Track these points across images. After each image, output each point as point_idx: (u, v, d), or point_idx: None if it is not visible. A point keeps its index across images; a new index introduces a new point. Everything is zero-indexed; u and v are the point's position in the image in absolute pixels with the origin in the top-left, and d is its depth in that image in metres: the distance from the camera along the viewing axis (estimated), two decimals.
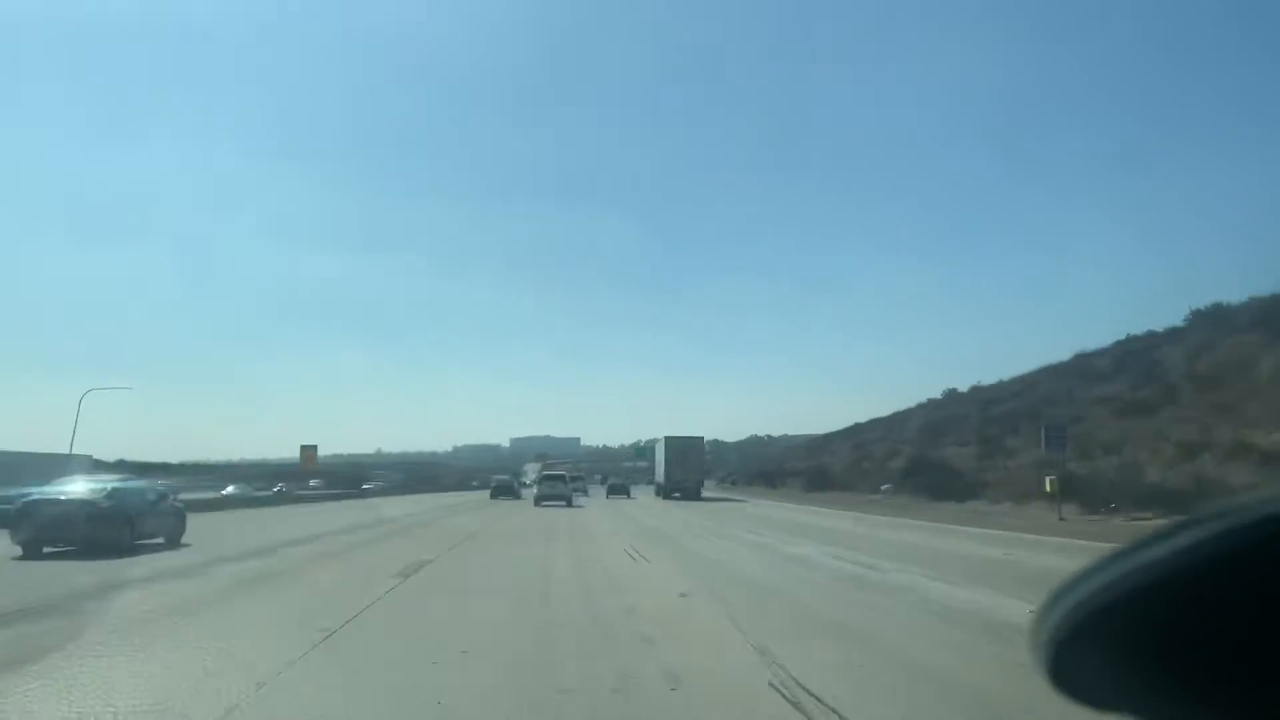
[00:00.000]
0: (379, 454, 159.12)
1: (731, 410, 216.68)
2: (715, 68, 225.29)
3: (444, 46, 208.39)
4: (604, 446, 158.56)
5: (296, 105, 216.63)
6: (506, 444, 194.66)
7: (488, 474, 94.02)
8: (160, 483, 17.93)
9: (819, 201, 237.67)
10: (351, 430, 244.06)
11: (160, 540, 16.06)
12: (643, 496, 51.74)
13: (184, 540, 16.72)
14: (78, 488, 15.15)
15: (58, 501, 14.45)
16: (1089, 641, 0.76)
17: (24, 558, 13.84)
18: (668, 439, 50.20)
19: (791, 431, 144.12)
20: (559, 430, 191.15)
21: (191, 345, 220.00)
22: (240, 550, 15.50)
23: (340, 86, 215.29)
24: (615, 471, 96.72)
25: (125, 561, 13.20)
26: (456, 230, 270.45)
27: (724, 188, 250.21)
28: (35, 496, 14.74)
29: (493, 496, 48.98)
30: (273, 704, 5.01)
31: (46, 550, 14.15)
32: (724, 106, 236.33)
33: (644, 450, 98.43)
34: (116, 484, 15.79)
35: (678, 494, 46.04)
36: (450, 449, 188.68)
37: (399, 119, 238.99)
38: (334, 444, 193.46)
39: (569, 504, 37.28)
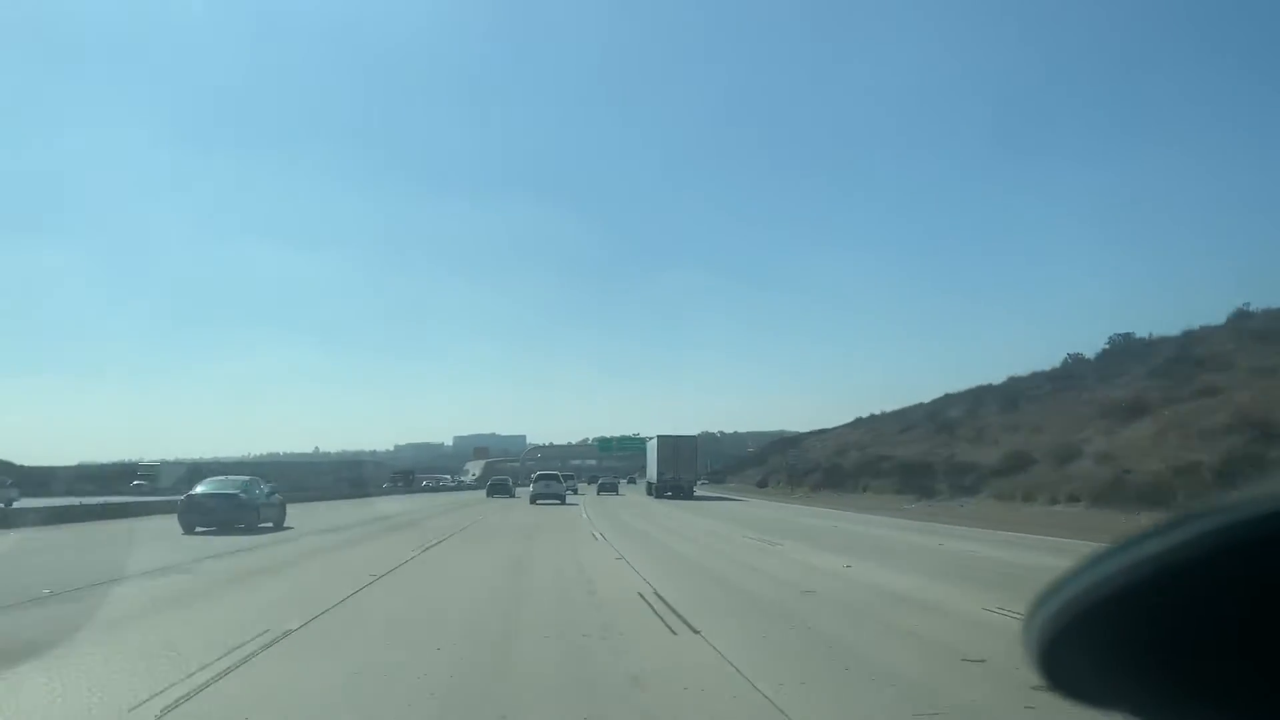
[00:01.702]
0: (316, 453, 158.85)
1: (681, 407, 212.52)
2: (668, 57, 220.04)
3: (384, 32, 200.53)
4: (550, 444, 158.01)
5: (228, 92, 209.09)
6: (450, 442, 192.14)
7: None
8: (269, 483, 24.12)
9: (774, 198, 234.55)
10: (288, 429, 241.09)
11: (270, 524, 22.38)
12: (629, 494, 57.70)
13: (285, 524, 23.11)
14: (223, 487, 21.68)
15: (212, 496, 21.03)
16: (1082, 639, 0.77)
17: (184, 534, 20.23)
18: (660, 438, 50.68)
19: (742, 429, 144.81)
20: (504, 428, 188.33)
21: (115, 341, 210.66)
22: (319, 528, 22.02)
23: (275, 73, 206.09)
24: (565, 469, 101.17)
25: (253, 536, 19.51)
26: (397, 223, 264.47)
27: (674, 182, 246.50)
28: (195, 492, 21.34)
29: (489, 495, 52.44)
30: (352, 605, 10.83)
31: (198, 529, 20.53)
32: (676, 98, 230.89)
33: (609, 443, 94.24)
34: (246, 482, 22.30)
35: (670, 493, 46.47)
36: (391, 448, 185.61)
37: (336, 107, 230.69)
38: (269, 443, 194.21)
39: (562, 501, 41.81)
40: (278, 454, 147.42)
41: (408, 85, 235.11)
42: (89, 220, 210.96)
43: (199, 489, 21.48)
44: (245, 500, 21.05)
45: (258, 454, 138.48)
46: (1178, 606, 0.71)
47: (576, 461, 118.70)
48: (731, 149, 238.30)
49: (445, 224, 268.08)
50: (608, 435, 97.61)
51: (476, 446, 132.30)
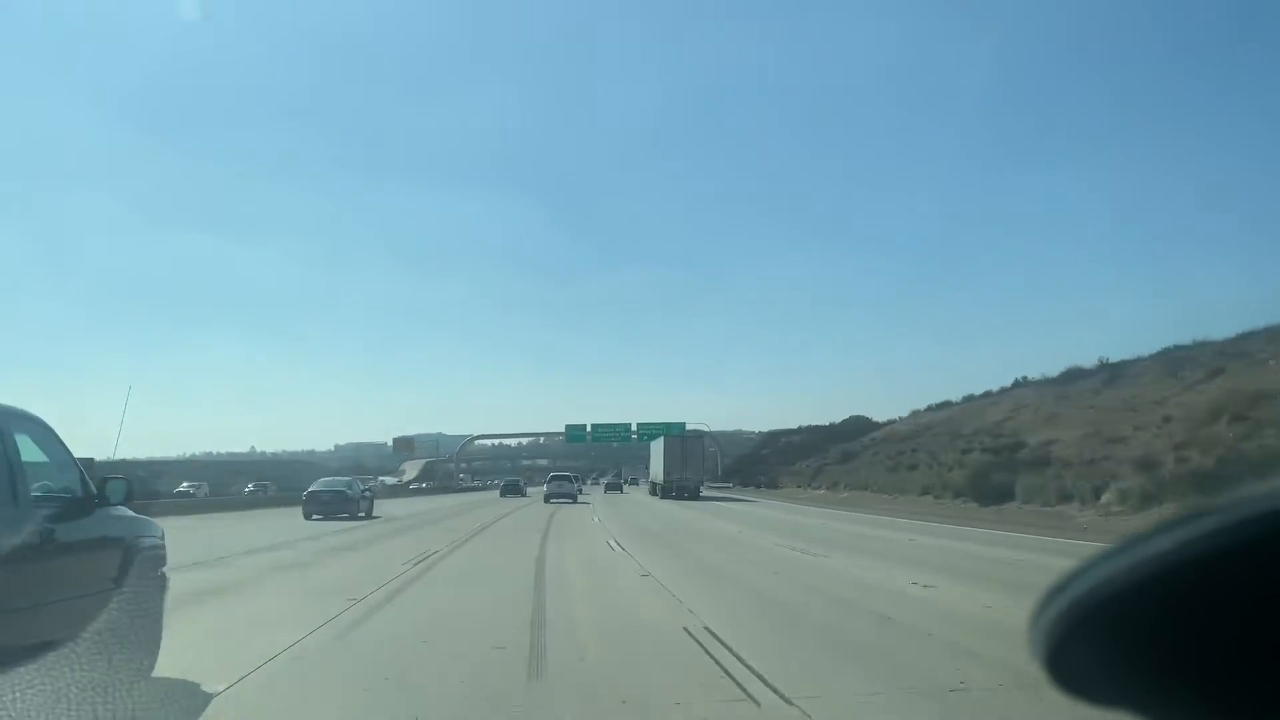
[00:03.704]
0: (253, 452, 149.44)
1: (638, 406, 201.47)
2: (628, 37, 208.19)
3: (328, 9, 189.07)
4: (499, 445, 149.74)
5: (160, 70, 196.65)
6: (392, 443, 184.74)
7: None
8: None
9: (735, 194, 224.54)
10: (224, 428, 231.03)
11: (363, 514, 30.53)
12: (633, 494, 61.97)
13: (374, 514, 31.26)
14: (333, 485, 29.93)
15: (325, 492, 29.41)
16: (1088, 637, 0.76)
17: (305, 520, 28.37)
18: (666, 437, 51.56)
19: (700, 429, 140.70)
20: (450, 428, 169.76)
21: (37, 335, 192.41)
22: (412, 513, 30.16)
23: (210, 51, 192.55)
24: (514, 469, 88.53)
25: (352, 522, 27.58)
26: (339, 213, 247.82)
27: (635, 172, 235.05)
28: (313, 489, 29.65)
29: (502, 495, 57.42)
30: (429, 567, 18.45)
31: (314, 517, 28.67)
32: (641, 85, 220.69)
33: (580, 433, 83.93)
34: (349, 481, 30.59)
35: (674, 493, 46.27)
36: (331, 448, 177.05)
37: (277, 88, 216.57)
38: (204, 443, 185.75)
39: (574, 500, 44.98)
40: (212, 454, 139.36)
41: (351, 64, 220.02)
42: (4, 205, 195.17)
43: (315, 487, 29.87)
44: (350, 495, 29.43)
45: (193, 453, 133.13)
46: (1183, 605, 0.70)
47: (527, 461, 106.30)
48: (695, 144, 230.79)
49: (389, 214, 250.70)
50: (576, 423, 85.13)
51: (396, 438, 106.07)
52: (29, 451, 5.16)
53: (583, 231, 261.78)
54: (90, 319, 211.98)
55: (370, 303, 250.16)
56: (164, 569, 6.46)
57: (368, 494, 31.72)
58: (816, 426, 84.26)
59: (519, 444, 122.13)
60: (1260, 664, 0.68)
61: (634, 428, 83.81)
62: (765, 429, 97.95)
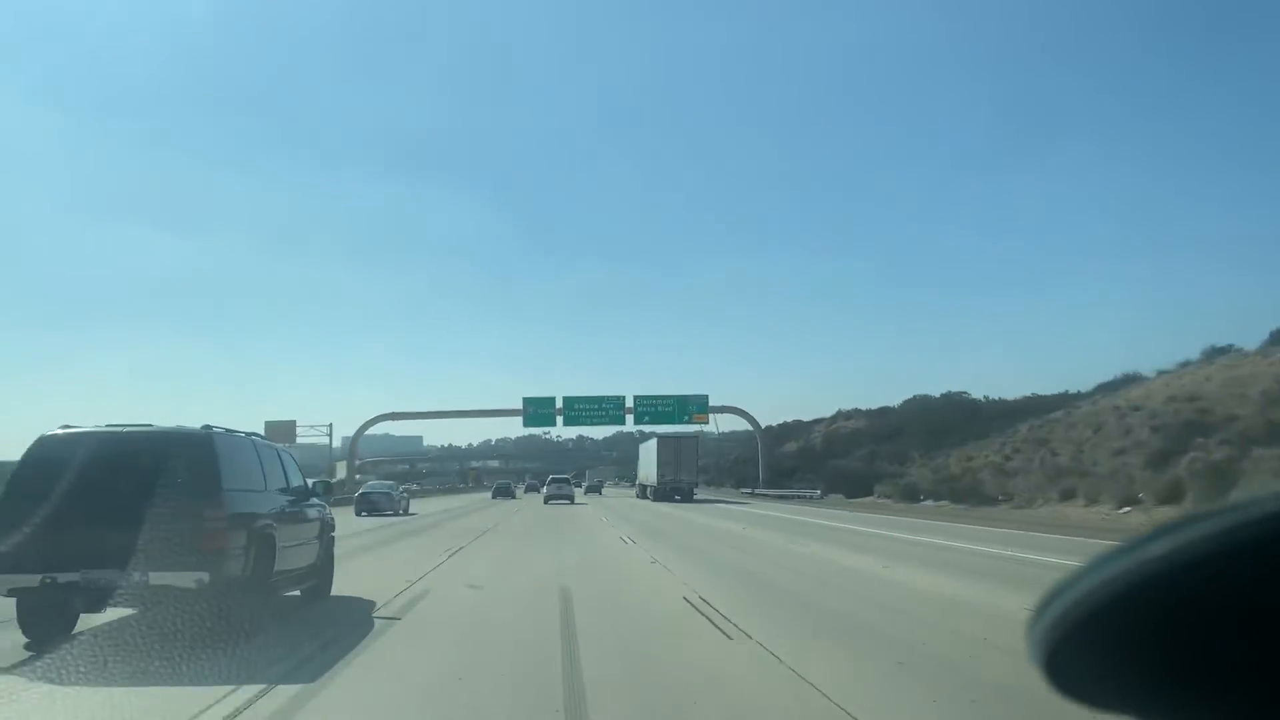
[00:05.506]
0: None
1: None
2: (588, 26, 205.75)
3: None
4: (449, 446, 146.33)
5: (104, 56, 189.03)
6: (339, 444, 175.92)
7: None
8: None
9: (696, 187, 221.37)
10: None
11: (403, 512, 34.83)
12: (614, 495, 63.97)
13: (411, 511, 35.57)
14: (379, 488, 34.46)
15: (374, 493, 34.15)
16: (1087, 639, 0.76)
17: (357, 516, 32.62)
18: (660, 438, 50.43)
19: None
20: (399, 429, 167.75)
21: None
22: (431, 512, 34.43)
23: (154, 35, 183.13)
24: (463, 469, 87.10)
25: (395, 517, 32.05)
26: (287, 205, 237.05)
27: (597, 165, 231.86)
28: (363, 491, 34.17)
29: (494, 497, 58.91)
30: (461, 555, 22.57)
31: (363, 514, 32.91)
32: (597, 77, 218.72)
33: (545, 411, 63.36)
34: (392, 485, 35.05)
35: (665, 496, 45.76)
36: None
37: (223, 74, 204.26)
38: None
39: (572, 501, 46.36)
40: None
41: (300, 48, 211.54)
42: None
43: (365, 489, 34.51)
44: (394, 496, 34.34)
45: None
46: (1184, 608, 0.70)
47: (477, 463, 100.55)
48: (659, 130, 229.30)
49: (339, 207, 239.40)
50: (540, 395, 64.91)
51: (269, 422, 74.66)
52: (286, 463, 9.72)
53: (535, 229, 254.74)
54: (15, 312, 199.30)
55: (314, 296, 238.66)
56: (333, 533, 10.83)
57: (405, 494, 36.24)
58: (886, 408, 67.84)
59: (468, 446, 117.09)
60: (1261, 667, 0.69)
61: (628, 402, 62.50)
62: (738, 428, 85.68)
